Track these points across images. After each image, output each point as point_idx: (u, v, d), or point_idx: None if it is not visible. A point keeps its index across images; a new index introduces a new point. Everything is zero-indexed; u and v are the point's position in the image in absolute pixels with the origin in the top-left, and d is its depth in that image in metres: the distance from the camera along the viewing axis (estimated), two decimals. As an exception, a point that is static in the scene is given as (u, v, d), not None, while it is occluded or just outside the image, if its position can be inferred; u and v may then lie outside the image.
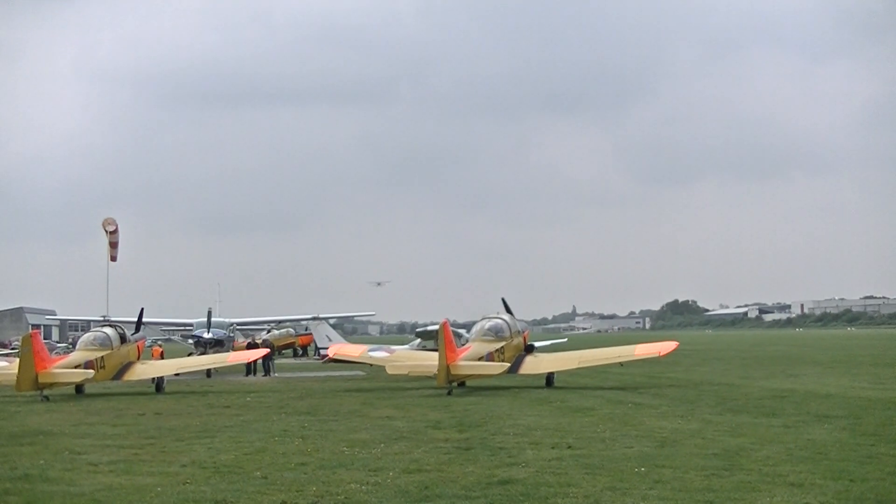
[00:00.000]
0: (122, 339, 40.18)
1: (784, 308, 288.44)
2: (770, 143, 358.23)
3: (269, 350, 51.78)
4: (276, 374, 50.66)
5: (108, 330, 40.43)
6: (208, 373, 50.15)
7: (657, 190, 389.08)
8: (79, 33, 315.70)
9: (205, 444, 20.46)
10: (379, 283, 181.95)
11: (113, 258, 69.31)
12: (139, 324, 45.63)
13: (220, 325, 58.72)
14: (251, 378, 49.73)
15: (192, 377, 48.18)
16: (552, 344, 56.98)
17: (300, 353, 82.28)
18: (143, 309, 47.01)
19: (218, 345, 55.86)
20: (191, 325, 61.59)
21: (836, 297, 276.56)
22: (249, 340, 67.32)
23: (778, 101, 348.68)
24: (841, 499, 13.39)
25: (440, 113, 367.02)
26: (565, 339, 41.60)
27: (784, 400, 28.97)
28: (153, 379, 39.44)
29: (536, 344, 45.11)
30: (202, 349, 55.64)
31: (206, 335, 56.11)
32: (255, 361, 50.57)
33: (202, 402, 32.53)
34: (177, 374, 45.25)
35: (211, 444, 20.28)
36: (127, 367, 39.73)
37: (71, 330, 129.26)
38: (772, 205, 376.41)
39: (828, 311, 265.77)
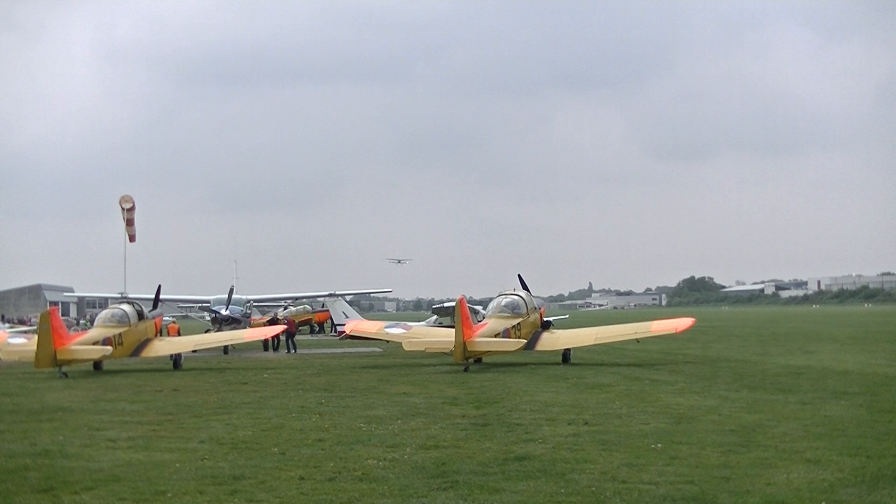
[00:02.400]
0: (140, 315, 40.31)
1: (801, 284, 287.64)
2: (786, 120, 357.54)
3: (287, 326, 51.87)
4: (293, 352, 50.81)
5: (126, 307, 40.53)
6: (225, 349, 50.28)
7: (674, 166, 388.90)
8: (96, 12, 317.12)
9: (222, 420, 20.53)
10: (399, 261, 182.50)
11: (132, 238, 69.34)
12: (157, 300, 45.75)
13: (236, 303, 58.78)
14: (269, 354, 49.87)
15: (210, 353, 48.33)
16: (553, 321, 56.96)
17: (317, 329, 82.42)
18: (160, 286, 47.17)
19: (234, 322, 55.98)
20: (208, 301, 61.68)
21: (854, 274, 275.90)
22: (272, 316, 67.46)
23: (794, 77, 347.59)
24: (858, 475, 13.36)
25: (457, 91, 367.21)
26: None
27: (800, 376, 28.92)
28: (171, 356, 39.60)
29: None
30: (218, 326, 55.79)
31: (223, 311, 56.25)
32: (275, 337, 50.71)
33: (219, 379, 32.65)
34: (194, 351, 45.40)
35: (228, 421, 20.35)
36: (145, 343, 39.88)
37: (89, 307, 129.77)
38: (788, 181, 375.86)
39: (845, 287, 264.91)
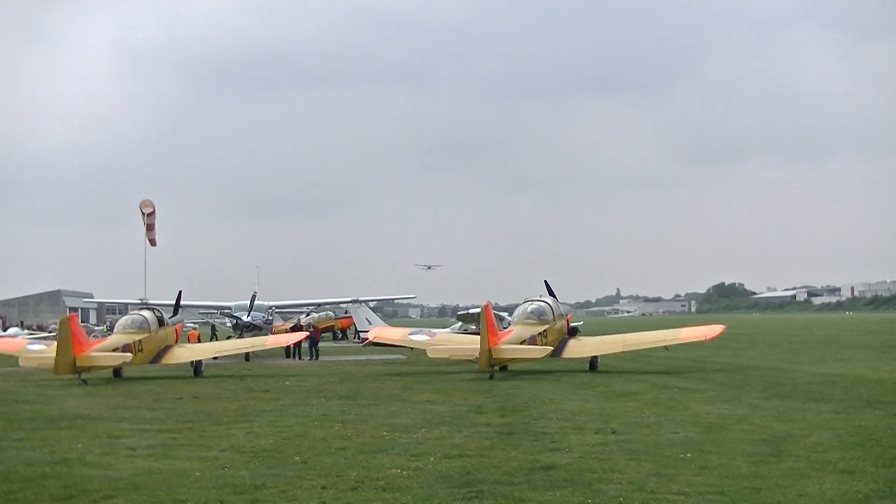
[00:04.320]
0: (160, 322, 40.41)
1: (833, 291, 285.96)
2: (817, 122, 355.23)
3: (310, 333, 51.98)
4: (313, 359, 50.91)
5: (146, 313, 40.65)
6: (247, 356, 50.46)
7: (701, 170, 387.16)
8: (117, 16, 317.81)
9: (243, 428, 20.57)
10: (429, 267, 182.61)
11: (152, 243, 69.62)
12: (177, 307, 45.91)
13: (258, 309, 58.94)
14: (290, 361, 49.97)
15: (231, 360, 48.48)
16: None
17: (339, 336, 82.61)
18: (181, 292, 47.40)
19: (255, 328, 56.12)
20: (229, 308, 61.89)
21: (888, 280, 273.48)
22: (294, 322, 67.61)
23: (825, 78, 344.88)
24: (893, 487, 13.26)
25: (481, 94, 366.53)
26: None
27: (834, 385, 28.76)
28: (192, 362, 39.71)
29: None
30: (239, 332, 55.95)
31: (244, 318, 56.42)
32: (297, 344, 50.82)
33: (241, 386, 32.72)
34: (215, 358, 45.53)
35: (249, 429, 20.38)
36: (165, 350, 39.97)
37: (108, 313, 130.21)
38: (819, 184, 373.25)
39: (879, 294, 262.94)
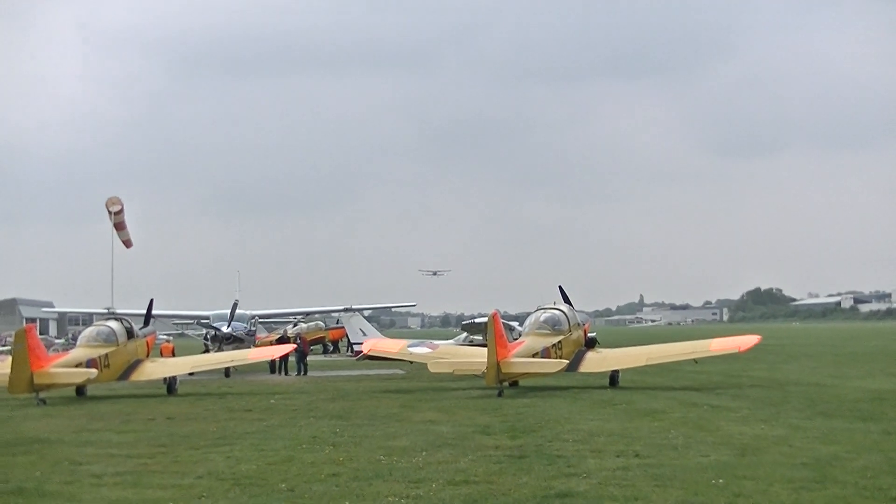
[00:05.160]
0: (129, 333, 40.36)
1: (883, 297, 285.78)
2: (864, 109, 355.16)
3: (297, 345, 51.97)
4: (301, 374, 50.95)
5: (114, 324, 40.58)
6: (227, 372, 50.45)
7: (735, 163, 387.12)
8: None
9: (223, 452, 20.56)
10: (435, 273, 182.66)
11: (127, 244, 69.64)
12: (148, 317, 45.89)
13: (239, 318, 58.98)
14: (276, 377, 49.97)
15: (209, 376, 48.46)
16: None
17: (331, 348, 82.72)
18: (152, 300, 47.34)
19: (236, 340, 56.14)
20: (207, 317, 61.93)
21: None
22: (280, 333, 67.63)
23: (874, 59, 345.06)
24: (951, 515, 13.24)
25: (490, 79, 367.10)
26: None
27: (884, 402, 28.74)
28: (164, 379, 39.68)
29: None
30: (217, 345, 55.96)
31: (223, 328, 56.44)
32: (284, 358, 50.82)
33: (220, 405, 32.72)
34: (191, 374, 45.51)
35: (230, 453, 20.38)
36: (135, 365, 39.93)
37: (71, 324, 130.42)
38: (868, 179, 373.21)
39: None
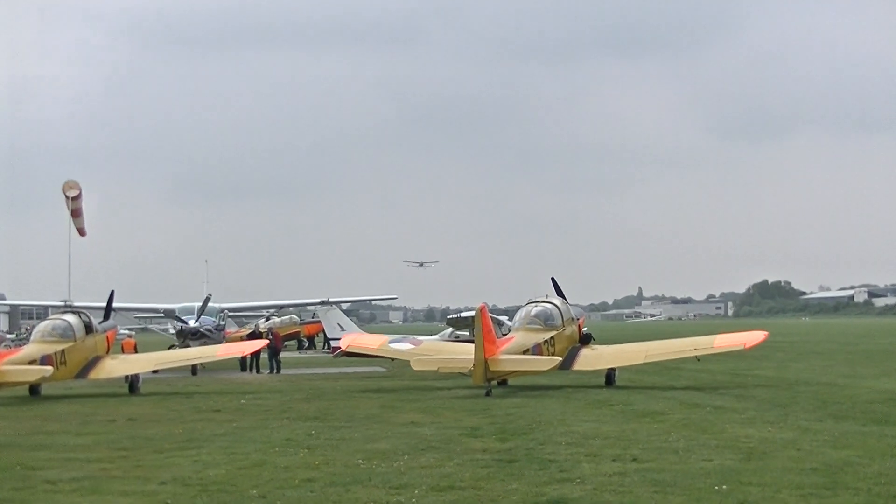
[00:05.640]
0: (88, 328, 40.25)
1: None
2: (882, 88, 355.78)
3: (271, 341, 51.96)
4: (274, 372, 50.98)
5: (71, 318, 40.43)
6: (194, 369, 50.36)
7: (742, 146, 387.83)
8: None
9: (190, 456, 20.55)
10: (421, 264, 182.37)
11: (81, 232, 69.38)
12: (109, 310, 45.76)
13: (209, 312, 58.72)
14: (247, 375, 49.95)
15: (175, 374, 48.40)
16: None
17: (306, 344, 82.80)
18: (113, 292, 47.22)
19: (204, 336, 55.99)
20: (173, 311, 61.77)
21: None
22: (252, 328, 67.58)
23: (888, 38, 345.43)
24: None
25: (478, 56, 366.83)
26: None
27: (899, 403, 28.86)
28: (126, 377, 39.63)
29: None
30: (183, 340, 55.85)
31: (191, 323, 56.30)
32: (253, 355, 50.79)
33: (186, 406, 32.71)
34: (155, 372, 45.43)
35: (197, 457, 20.37)
36: (94, 362, 39.84)
37: (24, 318, 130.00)
38: (884, 163, 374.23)
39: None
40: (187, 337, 55.79)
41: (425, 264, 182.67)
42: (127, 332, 69.49)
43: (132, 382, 39.37)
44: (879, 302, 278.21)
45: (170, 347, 54.83)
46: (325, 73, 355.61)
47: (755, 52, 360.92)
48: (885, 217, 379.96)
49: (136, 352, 49.48)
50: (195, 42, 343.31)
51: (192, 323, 56.10)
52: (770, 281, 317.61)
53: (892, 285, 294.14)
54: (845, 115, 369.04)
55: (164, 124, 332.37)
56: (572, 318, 39.68)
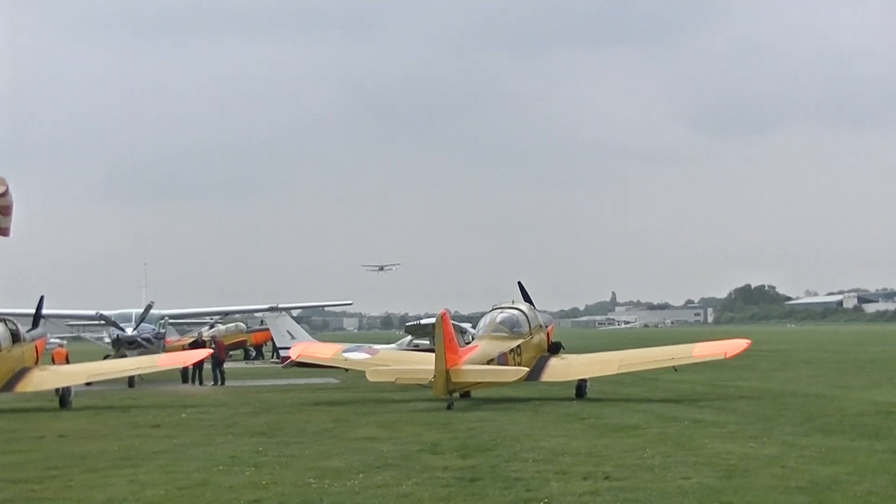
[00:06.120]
0: (15, 337, 40.06)
1: (891, 295, 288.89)
2: (873, 82, 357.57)
3: (214, 350, 51.85)
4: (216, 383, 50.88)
5: (-5, 325, 40.24)
6: (131, 381, 50.18)
7: (723, 141, 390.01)
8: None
9: (126, 475, 20.45)
10: (381, 268, 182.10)
11: (4, 232, 68.96)
12: (38, 317, 45.51)
13: (148, 319, 58.51)
14: (189, 387, 49.81)
15: (110, 387, 48.21)
16: None
17: (253, 354, 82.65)
18: (42, 297, 47.00)
19: (143, 345, 55.79)
20: (109, 318, 61.49)
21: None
22: (195, 337, 67.40)
23: (876, 28, 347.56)
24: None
25: (442, 45, 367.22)
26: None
27: (891, 417, 29.01)
28: (57, 390, 39.43)
29: None
30: (119, 349, 55.62)
31: (128, 331, 56.07)
32: (196, 366, 50.64)
33: (123, 421, 32.62)
34: (88, 384, 45.21)
35: (134, 476, 20.26)
36: (21, 374, 39.62)
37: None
38: (875, 161, 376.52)
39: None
40: (124, 346, 55.58)
41: (385, 268, 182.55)
42: (58, 340, 69.23)
43: (63, 396, 39.17)
44: (870, 308, 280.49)
45: (105, 357, 54.57)
46: (275, 62, 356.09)
47: (738, 41, 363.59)
48: (876, 217, 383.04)
49: (67, 362, 49.27)
50: (133, 28, 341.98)
51: (129, 331, 55.88)
52: (753, 285, 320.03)
53: (884, 290, 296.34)
54: (833, 110, 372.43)
55: (98, 116, 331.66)
56: (540, 326, 39.78)
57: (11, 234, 69.27)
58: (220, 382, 51.08)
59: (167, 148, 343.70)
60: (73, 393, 39.90)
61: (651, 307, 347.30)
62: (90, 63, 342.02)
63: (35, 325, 44.34)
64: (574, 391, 37.18)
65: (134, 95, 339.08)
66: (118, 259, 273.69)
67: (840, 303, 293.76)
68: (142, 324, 56.87)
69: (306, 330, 68.68)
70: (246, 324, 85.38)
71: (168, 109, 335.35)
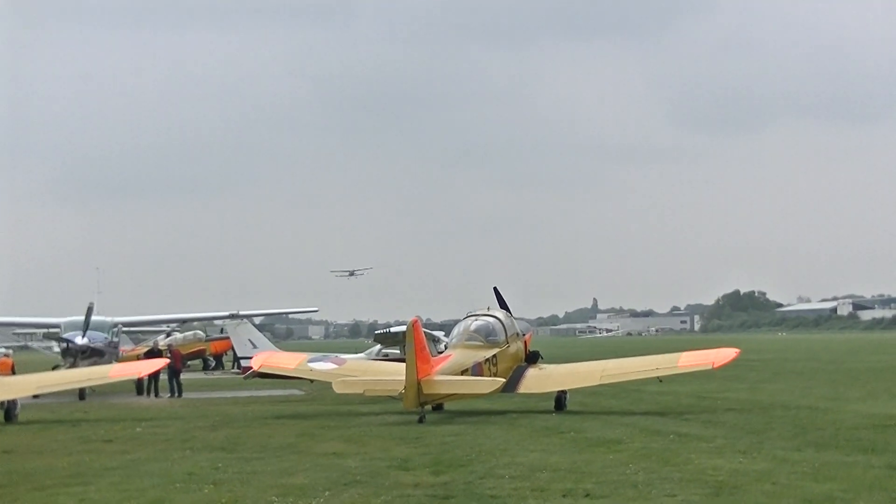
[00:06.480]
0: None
1: (888, 302, 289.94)
2: (868, 76, 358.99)
3: (171, 360, 51.76)
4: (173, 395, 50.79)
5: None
6: (81, 393, 50.04)
7: (712, 139, 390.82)
8: None
9: (76, 494, 20.40)
10: (351, 273, 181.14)
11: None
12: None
13: (100, 327, 58.36)
14: (144, 399, 49.71)
15: (60, 399, 48.06)
16: None
17: (212, 364, 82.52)
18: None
19: (95, 354, 55.64)
20: (57, 326, 61.33)
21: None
22: (150, 346, 67.28)
23: (874, 18, 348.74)
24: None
25: (414, 36, 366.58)
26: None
27: (888, 430, 29.09)
28: (1, 403, 39.31)
29: None
30: (72, 359, 55.44)
31: (78, 340, 55.87)
32: (151, 376, 50.55)
33: (73, 435, 32.53)
34: (36, 396, 45.08)
35: (84, 495, 20.22)
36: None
37: None
38: (870, 159, 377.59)
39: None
40: (77, 356, 55.33)
41: (356, 272, 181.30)
42: (3, 350, 69.04)
43: (8, 409, 39.03)
44: (866, 315, 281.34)
45: (54, 368, 54.40)
46: (233, 53, 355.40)
47: (728, 34, 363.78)
48: (873, 218, 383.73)
49: (13, 373, 49.20)
50: (82, 17, 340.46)
51: (79, 340, 55.58)
52: (742, 291, 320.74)
53: (881, 296, 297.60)
54: (829, 104, 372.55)
55: (44, 110, 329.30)
56: (517, 334, 39.80)
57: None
58: (176, 394, 50.99)
59: (119, 144, 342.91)
60: (19, 406, 39.74)
61: (634, 314, 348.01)
62: (38, 56, 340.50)
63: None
64: (553, 403, 37.17)
65: (83, 90, 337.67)
66: (68, 263, 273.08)
67: (834, 310, 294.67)
68: (93, 332, 56.60)
69: (269, 338, 68.54)
70: (205, 332, 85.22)
71: (120, 103, 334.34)
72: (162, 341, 73.05)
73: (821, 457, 23.57)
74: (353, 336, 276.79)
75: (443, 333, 53.49)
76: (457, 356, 37.32)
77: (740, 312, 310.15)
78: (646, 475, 21.10)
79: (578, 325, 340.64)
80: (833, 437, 27.30)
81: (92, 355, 55.65)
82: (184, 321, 79.53)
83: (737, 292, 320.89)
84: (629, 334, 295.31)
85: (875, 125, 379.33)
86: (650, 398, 41.44)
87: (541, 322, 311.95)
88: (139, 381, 51.77)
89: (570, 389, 37.65)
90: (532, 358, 40.18)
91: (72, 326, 57.82)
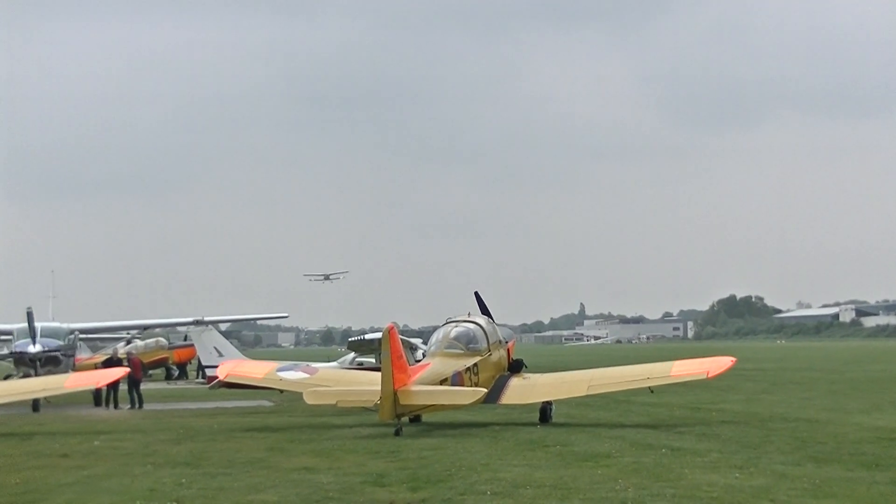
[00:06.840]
0: None
1: (893, 308, 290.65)
2: (867, 69, 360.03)
3: (132, 369, 51.69)
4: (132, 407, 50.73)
5: None
6: (35, 405, 49.95)
7: (703, 135, 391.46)
8: None
9: (30, 511, 20.38)
10: (327, 277, 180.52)
11: None
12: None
13: (54, 334, 58.22)
14: (102, 411, 49.62)
15: (11, 411, 47.98)
16: None
17: (176, 373, 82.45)
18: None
19: (51, 363, 55.51)
20: (9, 333, 61.22)
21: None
22: (109, 354, 67.17)
23: (873, 8, 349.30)
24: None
25: (387, 24, 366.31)
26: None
27: (893, 444, 29.19)
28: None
29: None
30: (26, 369, 55.31)
31: (31, 348, 55.72)
32: (110, 386, 50.47)
33: (25, 450, 32.49)
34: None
35: (39, 512, 20.20)
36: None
37: None
38: (872, 154, 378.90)
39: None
40: (33, 364, 55.14)
41: (332, 276, 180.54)
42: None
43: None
44: (869, 321, 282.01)
45: (6, 377, 54.26)
46: (195, 41, 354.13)
47: (720, 22, 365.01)
48: (877, 219, 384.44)
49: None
50: (29, 7, 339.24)
51: (31, 348, 55.36)
52: (738, 296, 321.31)
53: (885, 302, 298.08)
54: (827, 98, 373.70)
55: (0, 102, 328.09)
56: (500, 341, 39.84)
57: None
58: (137, 405, 50.93)
59: (74, 137, 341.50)
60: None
61: (624, 321, 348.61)
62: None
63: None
64: (538, 415, 37.21)
65: (34, 78, 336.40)
66: (18, 265, 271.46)
67: (836, 316, 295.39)
68: (46, 339, 56.40)
69: (236, 346, 68.54)
70: (167, 339, 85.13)
71: (73, 92, 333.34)
72: (121, 349, 72.97)
73: (821, 472, 23.65)
74: (326, 343, 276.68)
75: (421, 341, 53.57)
76: (436, 365, 37.32)
77: (736, 319, 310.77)
78: (636, 491, 21.15)
79: (565, 332, 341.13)
80: (834, 452, 27.38)
81: (46, 363, 55.51)
82: (145, 328, 79.38)
83: (733, 297, 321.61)
84: (618, 341, 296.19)
85: (876, 119, 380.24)
86: (641, 410, 41.50)
87: (525, 329, 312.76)
88: (97, 392, 51.64)
89: (555, 400, 37.62)
90: (515, 367, 40.23)
91: (25, 333, 57.69)
